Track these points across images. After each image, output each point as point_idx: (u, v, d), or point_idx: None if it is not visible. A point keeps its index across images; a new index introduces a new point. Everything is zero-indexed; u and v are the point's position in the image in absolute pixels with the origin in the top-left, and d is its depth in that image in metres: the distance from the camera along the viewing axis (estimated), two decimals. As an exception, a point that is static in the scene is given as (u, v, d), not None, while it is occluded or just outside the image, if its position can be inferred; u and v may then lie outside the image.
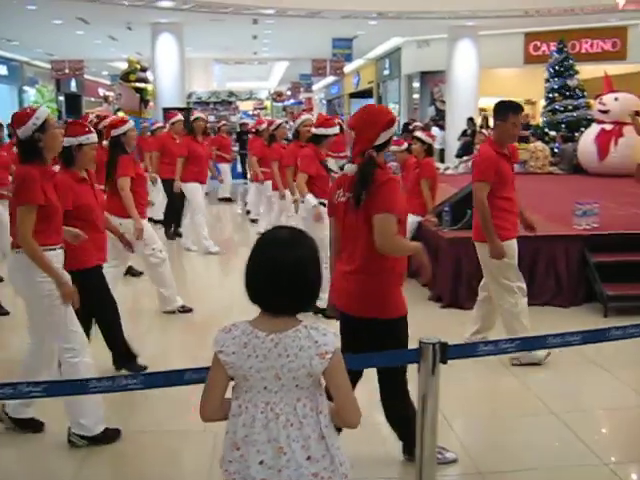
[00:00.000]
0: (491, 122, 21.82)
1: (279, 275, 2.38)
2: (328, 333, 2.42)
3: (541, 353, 5.87)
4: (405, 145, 9.63)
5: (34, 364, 4.54)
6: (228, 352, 2.42)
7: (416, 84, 27.89)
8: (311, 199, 7.22)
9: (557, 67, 17.74)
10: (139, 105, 18.98)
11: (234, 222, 14.96)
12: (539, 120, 19.57)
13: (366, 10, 18.82)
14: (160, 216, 12.06)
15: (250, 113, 27.19)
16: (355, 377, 3.47)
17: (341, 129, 9.75)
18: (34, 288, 4.26)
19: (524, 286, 5.88)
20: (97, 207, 5.25)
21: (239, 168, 20.42)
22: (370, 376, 3.83)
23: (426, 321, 6.74)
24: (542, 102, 18.72)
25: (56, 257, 4.36)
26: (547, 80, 17.98)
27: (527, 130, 17.63)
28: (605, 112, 15.07)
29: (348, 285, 3.84)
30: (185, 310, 7.49)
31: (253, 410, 2.42)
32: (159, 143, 11.95)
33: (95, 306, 5.31)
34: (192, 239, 10.98)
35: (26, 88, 30.09)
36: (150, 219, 7.82)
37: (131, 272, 8.77)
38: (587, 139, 15.49)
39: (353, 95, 38.10)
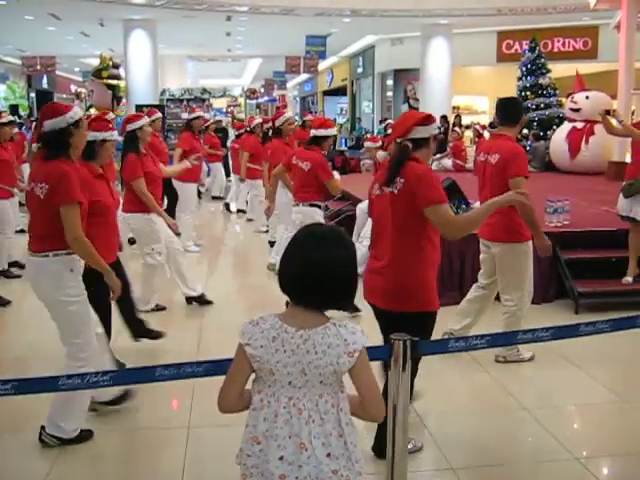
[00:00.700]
0: (464, 120, 22.02)
1: (325, 273, 2.39)
2: (357, 331, 2.43)
3: (528, 354, 5.93)
4: (380, 142, 9.66)
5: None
6: (256, 345, 2.40)
7: (390, 82, 27.94)
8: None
9: (529, 65, 17.82)
10: (111, 102, 18.80)
11: (225, 220, 14.86)
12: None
13: (340, 8, 18.85)
14: None
15: (224, 110, 27.11)
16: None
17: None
18: (62, 294, 4.14)
19: (532, 290, 5.90)
20: (112, 205, 5.10)
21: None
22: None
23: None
24: (514, 100, 18.79)
25: (79, 262, 4.23)
26: (519, 78, 18.06)
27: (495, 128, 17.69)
28: (576, 110, 15.18)
29: (380, 280, 3.98)
30: (159, 308, 7.43)
31: (275, 405, 2.41)
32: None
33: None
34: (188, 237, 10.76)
35: (-3, 84, 29.83)
36: None
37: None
38: (559, 137, 15.58)
39: (327, 93, 38.12)
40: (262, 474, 2.40)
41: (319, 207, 7.45)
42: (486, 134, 15.50)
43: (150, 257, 7.05)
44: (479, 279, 6.11)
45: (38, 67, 24.86)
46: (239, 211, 14.41)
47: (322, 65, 28.70)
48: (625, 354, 6.16)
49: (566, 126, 15.55)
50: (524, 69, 17.94)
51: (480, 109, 26.75)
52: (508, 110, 5.79)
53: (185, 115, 16.45)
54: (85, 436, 4.45)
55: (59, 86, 35.53)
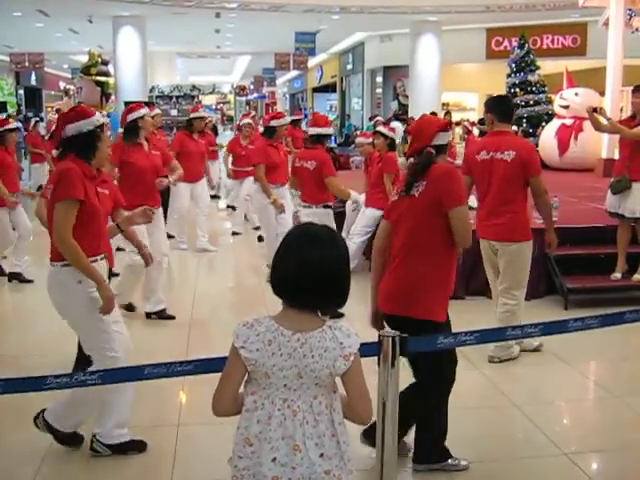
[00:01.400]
0: (455, 116, 22.03)
1: (319, 273, 2.37)
2: (352, 334, 2.42)
3: (516, 350, 5.91)
4: (371, 138, 9.64)
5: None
6: (251, 349, 2.38)
7: (379, 79, 27.97)
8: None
9: (518, 62, 17.85)
10: (100, 99, 18.73)
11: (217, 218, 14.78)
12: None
13: (329, 4, 18.85)
14: None
15: (213, 107, 27.07)
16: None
17: (392, 144, 8.92)
18: (70, 306, 4.02)
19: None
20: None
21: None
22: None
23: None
24: (504, 97, 18.82)
25: (98, 269, 4.02)
26: (508, 75, 18.09)
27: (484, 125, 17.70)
28: (565, 107, 15.21)
29: (389, 285, 3.91)
30: (129, 309, 7.11)
31: (270, 407, 2.39)
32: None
33: None
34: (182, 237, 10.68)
35: (-16, 81, 29.67)
36: None
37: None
38: (548, 134, 15.61)
39: (316, 89, 38.15)
40: (254, 476, 2.39)
41: (331, 208, 7.43)
42: (475, 131, 15.49)
43: (135, 254, 6.74)
44: (498, 284, 5.84)
45: (26, 64, 24.76)
46: (229, 207, 14.30)
47: (312, 62, 28.71)
48: (614, 350, 6.18)
49: (555, 123, 15.58)
50: (513, 66, 17.95)
51: (469, 106, 26.82)
52: (505, 107, 5.79)
53: (174, 112, 16.50)
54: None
55: (48, 83, 35.39)
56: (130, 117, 6.88)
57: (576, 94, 15.16)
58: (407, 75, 23.22)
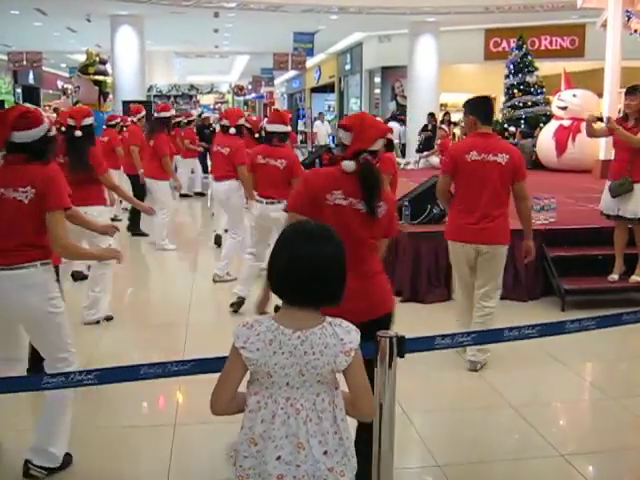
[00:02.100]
0: (454, 117, 22.05)
1: (318, 269, 2.38)
2: (352, 330, 2.42)
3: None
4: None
5: None
6: (252, 349, 2.37)
7: (377, 79, 27.94)
8: None
9: (517, 63, 17.89)
10: (98, 98, 18.74)
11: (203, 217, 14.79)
12: (498, 116, 19.77)
13: (327, 5, 18.85)
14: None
15: (211, 107, 27.07)
16: None
17: (390, 145, 8.59)
18: (50, 305, 3.87)
19: None
20: None
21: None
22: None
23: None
24: (502, 98, 18.88)
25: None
26: (507, 76, 18.13)
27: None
28: (563, 108, 15.24)
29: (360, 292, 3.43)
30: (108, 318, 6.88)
31: (273, 406, 2.39)
32: (138, 137, 11.40)
33: None
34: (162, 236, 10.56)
35: (-18, 80, 29.59)
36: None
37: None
38: (546, 135, 15.64)
39: (314, 89, 38.09)
40: (259, 475, 2.39)
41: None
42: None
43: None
44: (475, 288, 5.75)
45: (24, 62, 24.73)
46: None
47: (310, 62, 28.69)
48: (611, 351, 6.18)
49: (553, 124, 15.61)
50: (511, 67, 18.01)
51: (468, 107, 26.75)
52: (488, 109, 5.68)
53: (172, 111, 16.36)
54: (68, 461, 4.13)
55: (45, 82, 35.31)
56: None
57: (574, 95, 15.19)
58: (405, 76, 23.20)
